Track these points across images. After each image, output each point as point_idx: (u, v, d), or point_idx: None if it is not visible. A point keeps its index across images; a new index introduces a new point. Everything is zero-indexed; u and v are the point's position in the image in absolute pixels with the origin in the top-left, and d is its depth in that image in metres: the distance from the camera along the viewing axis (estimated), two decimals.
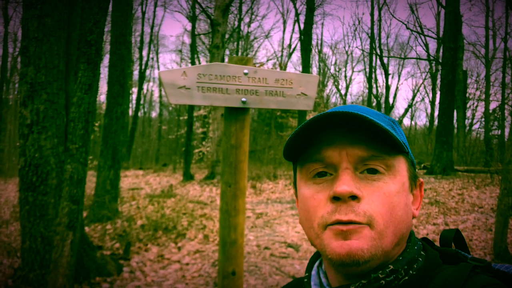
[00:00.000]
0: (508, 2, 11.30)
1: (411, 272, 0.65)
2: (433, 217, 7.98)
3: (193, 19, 18.98)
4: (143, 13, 31.20)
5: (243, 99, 1.96)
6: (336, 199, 0.63)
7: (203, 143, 26.19)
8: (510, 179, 5.37)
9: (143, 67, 30.93)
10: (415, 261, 0.66)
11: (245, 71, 1.97)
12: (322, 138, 0.66)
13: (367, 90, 33.77)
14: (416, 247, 0.69)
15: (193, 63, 18.26)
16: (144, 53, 31.99)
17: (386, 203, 0.62)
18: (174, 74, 1.91)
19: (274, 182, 15.54)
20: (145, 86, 41.56)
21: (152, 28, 31.76)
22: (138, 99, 31.17)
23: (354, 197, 0.62)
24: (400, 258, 0.65)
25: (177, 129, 28.43)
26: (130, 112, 33.88)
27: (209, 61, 18.65)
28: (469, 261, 0.68)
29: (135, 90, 31.82)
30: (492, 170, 12.09)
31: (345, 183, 0.62)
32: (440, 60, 17.32)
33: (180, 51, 33.91)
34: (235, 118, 2.00)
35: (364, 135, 0.64)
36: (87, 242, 4.81)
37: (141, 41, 31.30)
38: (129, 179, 20.13)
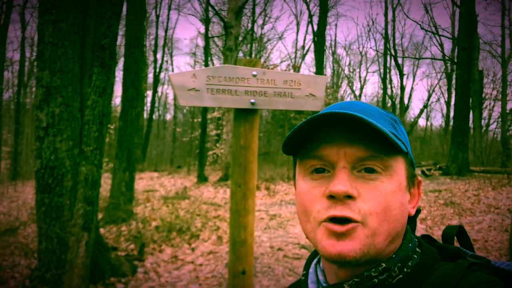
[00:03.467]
0: None
1: (405, 270, 0.65)
2: (448, 218, 7.90)
3: (206, 21, 19.09)
4: (157, 16, 31.48)
5: (252, 100, 1.98)
6: (331, 197, 0.63)
7: (217, 145, 26.26)
8: None
9: (157, 70, 31.19)
10: (409, 259, 0.67)
11: (254, 72, 1.99)
12: (322, 135, 0.67)
13: (381, 91, 33.53)
14: (410, 245, 0.69)
15: (206, 65, 18.35)
16: (159, 56, 32.33)
17: (381, 202, 0.63)
18: (184, 77, 1.95)
19: (288, 183, 15.52)
20: (159, 89, 41.97)
21: (166, 31, 32.01)
22: (153, 102, 31.42)
23: (349, 196, 0.62)
24: (394, 256, 0.66)
25: (191, 131, 28.57)
26: (145, 115, 34.22)
27: (223, 63, 18.73)
28: (468, 258, 0.68)
29: (149, 93, 32.13)
30: (508, 171, 11.92)
31: (341, 183, 0.62)
32: (455, 60, 17.12)
33: (194, 53, 34.15)
34: (244, 119, 2.02)
35: (363, 135, 0.64)
36: (102, 243, 4.87)
37: (156, 44, 31.58)
38: (144, 181, 20.30)
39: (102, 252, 4.81)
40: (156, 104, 42.97)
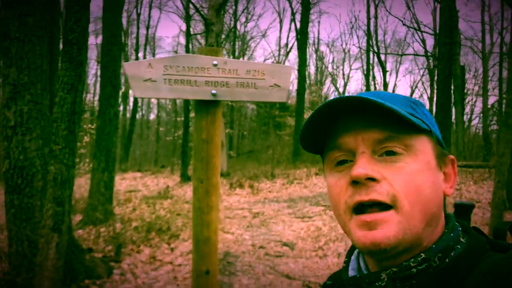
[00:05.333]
0: None
1: (447, 260, 0.62)
2: None
3: (187, 19, 18.92)
4: (138, 14, 31.16)
5: (213, 91, 1.89)
6: (355, 183, 0.63)
7: None
8: (504, 171, 5.30)
9: None
10: (451, 249, 0.64)
11: (215, 62, 1.90)
12: (338, 126, 0.67)
13: (365, 88, 33.68)
14: (453, 234, 0.65)
15: None
16: (141, 55, 31.93)
17: (409, 182, 0.61)
18: (139, 66, 1.84)
19: (271, 181, 15.48)
20: None
21: (147, 29, 31.70)
22: (135, 101, 31.09)
23: (373, 179, 0.62)
24: (434, 246, 0.63)
25: (175, 130, 28.34)
26: (128, 114, 33.81)
27: None
28: None
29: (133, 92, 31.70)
30: (490, 165, 12.05)
31: (361, 166, 0.62)
32: (437, 56, 17.25)
33: (176, 52, 33.91)
34: (206, 111, 1.93)
35: (378, 117, 0.64)
36: (76, 245, 4.74)
37: (137, 43, 31.27)
38: (127, 182, 20.09)
39: (76, 253, 4.68)
40: (140, 104, 42.63)
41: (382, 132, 0.63)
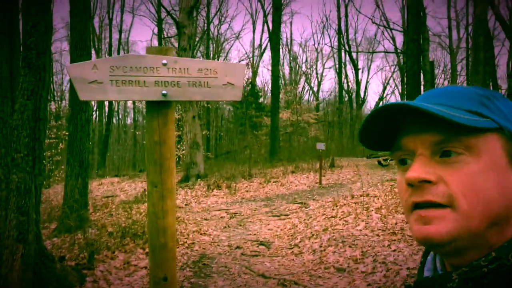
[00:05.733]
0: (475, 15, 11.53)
1: None
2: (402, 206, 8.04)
3: (159, 22, 18.77)
4: (110, 19, 30.76)
5: (164, 92, 1.86)
6: (410, 185, 0.64)
7: (178, 146, 25.93)
8: None
9: None
10: None
11: (164, 61, 1.86)
12: (403, 127, 0.68)
13: (338, 86, 33.98)
14: None
15: None
16: None
17: (467, 183, 0.61)
18: (84, 68, 1.81)
19: (249, 181, 15.47)
20: None
21: (120, 34, 31.29)
22: (111, 105, 30.69)
23: (428, 181, 0.62)
24: (506, 244, 0.62)
25: None
26: (104, 119, 33.33)
27: None
28: None
29: None
30: None
31: (414, 169, 0.63)
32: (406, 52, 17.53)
33: None
34: (157, 112, 1.89)
35: (435, 119, 0.62)
36: (46, 254, 4.64)
37: (110, 48, 30.85)
38: (104, 187, 19.84)
39: (46, 263, 4.57)
40: (116, 108, 42.14)
41: (439, 135, 0.63)
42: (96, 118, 38.87)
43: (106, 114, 30.67)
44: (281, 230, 8.06)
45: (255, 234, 7.94)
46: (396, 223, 6.93)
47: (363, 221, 7.35)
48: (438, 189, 0.61)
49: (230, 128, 37.04)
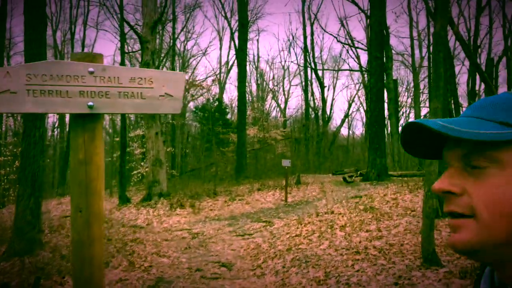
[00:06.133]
0: (429, 13, 11.81)
1: None
2: (367, 224, 7.96)
3: (121, 36, 18.42)
4: (72, 34, 30.12)
5: (90, 103, 1.63)
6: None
7: (142, 163, 25.33)
8: (433, 180, 5.37)
9: None
10: None
11: (91, 69, 1.64)
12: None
13: (304, 104, 34.21)
14: None
15: None
16: None
17: (490, 195, 0.62)
18: None
19: (213, 199, 15.16)
20: None
21: (83, 48, 30.62)
22: (71, 122, 29.78)
23: (451, 193, 0.65)
24: None
25: (113, 151, 27.33)
26: (65, 136, 32.31)
27: None
28: None
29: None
30: (423, 174, 12.43)
31: (439, 181, 0.67)
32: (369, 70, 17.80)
33: None
34: (82, 127, 1.67)
35: None
36: None
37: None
38: (63, 206, 19.04)
39: None
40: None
41: (463, 149, 0.65)
42: (57, 134, 37.74)
43: (67, 131, 29.71)
44: (244, 250, 7.82)
45: (217, 255, 7.66)
46: (360, 242, 6.82)
47: (327, 239, 7.21)
48: (462, 201, 0.64)
49: (196, 145, 36.66)
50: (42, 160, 8.76)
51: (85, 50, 31.52)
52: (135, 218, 13.47)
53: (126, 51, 22.57)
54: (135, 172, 24.36)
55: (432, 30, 24.92)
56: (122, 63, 17.53)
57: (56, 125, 34.26)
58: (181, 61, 36.11)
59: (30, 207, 8.45)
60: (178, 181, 23.92)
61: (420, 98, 29.03)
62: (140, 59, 27.80)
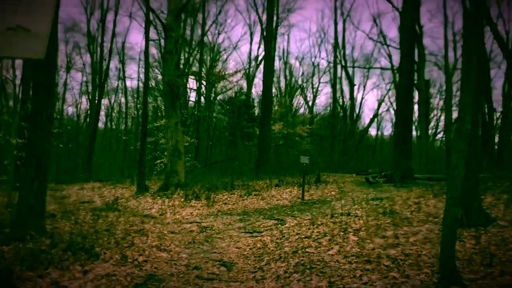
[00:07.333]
0: (466, 12, 10.99)
1: None
2: (383, 229, 7.36)
3: (146, 24, 18.22)
4: (103, 21, 30.24)
5: None
6: None
7: (165, 153, 25.21)
8: (457, 186, 4.75)
9: (103, 77, 29.87)
10: None
11: None
12: None
13: (331, 101, 33.42)
14: None
15: (147, 69, 17.39)
16: (112, 65, 30.90)
17: None
18: None
19: (230, 193, 14.77)
20: (113, 98, 40.62)
21: (112, 38, 30.76)
22: (98, 109, 30.00)
23: None
24: None
25: (137, 140, 27.37)
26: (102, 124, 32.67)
27: (163, 67, 17.85)
28: None
29: (105, 101, 30.54)
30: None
31: None
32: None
33: (140, 59, 33.16)
34: None
35: None
36: None
37: (101, 51, 30.30)
38: (84, 192, 19.15)
39: None
40: (114, 113, 41.57)
41: None
42: (85, 119, 38.20)
43: (93, 119, 29.94)
44: (250, 249, 7.37)
45: (220, 252, 7.23)
46: (373, 249, 6.25)
47: (337, 244, 6.67)
48: None
49: (221, 138, 36.43)
50: (48, 143, 8.51)
51: (119, 39, 31.69)
52: (149, 208, 13.23)
53: (152, 39, 22.41)
54: (158, 161, 24.23)
55: None
56: (146, 51, 17.33)
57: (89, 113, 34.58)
58: (211, 53, 35.89)
59: (34, 191, 8.23)
60: (199, 172, 23.68)
61: (452, 101, 27.82)
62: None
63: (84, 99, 41.46)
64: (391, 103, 36.75)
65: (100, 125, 39.95)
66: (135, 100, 37.45)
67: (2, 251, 6.08)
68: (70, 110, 50.70)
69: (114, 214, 11.14)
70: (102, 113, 39.39)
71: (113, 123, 43.10)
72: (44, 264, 5.26)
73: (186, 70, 25.93)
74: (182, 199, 13.95)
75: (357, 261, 5.71)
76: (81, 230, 8.53)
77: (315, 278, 5.18)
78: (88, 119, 35.18)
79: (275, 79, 35.13)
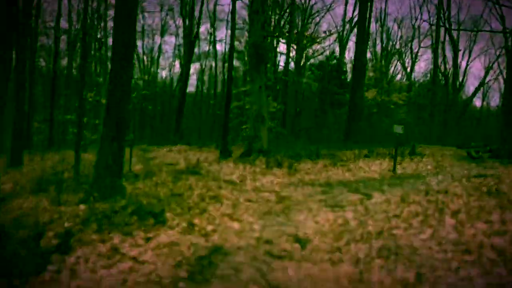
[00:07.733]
0: None
1: None
2: (488, 212, 6.25)
3: None
4: None
5: None
6: None
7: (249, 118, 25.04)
8: None
9: (193, 39, 30.10)
10: None
11: None
12: None
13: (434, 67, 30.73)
14: None
15: (233, 29, 16.96)
16: (203, 29, 31.13)
17: None
18: None
19: (314, 162, 14.05)
20: (205, 62, 41.37)
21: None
22: (187, 73, 30.47)
23: None
24: None
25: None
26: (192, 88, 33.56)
27: (249, 28, 17.28)
28: None
29: (196, 66, 31.18)
30: None
31: None
32: None
33: (227, 20, 32.97)
34: None
35: None
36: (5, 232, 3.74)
37: (192, 14, 30.53)
38: (171, 154, 19.68)
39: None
40: (205, 78, 42.51)
41: None
42: (178, 83, 39.30)
43: (183, 83, 30.49)
44: (329, 225, 6.66)
45: (296, 226, 6.62)
46: (474, 235, 5.25)
47: (431, 227, 5.73)
48: None
49: (310, 105, 35.44)
50: (127, 104, 8.41)
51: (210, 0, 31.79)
52: (230, 173, 12.97)
53: None
54: (244, 126, 24.08)
55: None
56: (234, 10, 16.89)
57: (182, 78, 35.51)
58: (305, 15, 34.73)
59: (113, 151, 8.21)
60: (284, 139, 23.19)
61: None
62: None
63: (177, 63, 42.60)
64: (500, 71, 32.94)
65: (192, 89, 41.00)
66: (224, 64, 37.63)
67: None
68: (163, 73, 52.56)
69: (194, 178, 11.02)
70: (194, 77, 40.33)
71: (204, 87, 43.95)
72: (108, 228, 5.02)
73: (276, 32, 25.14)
74: (264, 166, 13.52)
75: (454, 249, 4.79)
76: (158, 192, 8.43)
77: (401, 267, 4.38)
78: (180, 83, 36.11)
79: (370, 43, 33.12)
